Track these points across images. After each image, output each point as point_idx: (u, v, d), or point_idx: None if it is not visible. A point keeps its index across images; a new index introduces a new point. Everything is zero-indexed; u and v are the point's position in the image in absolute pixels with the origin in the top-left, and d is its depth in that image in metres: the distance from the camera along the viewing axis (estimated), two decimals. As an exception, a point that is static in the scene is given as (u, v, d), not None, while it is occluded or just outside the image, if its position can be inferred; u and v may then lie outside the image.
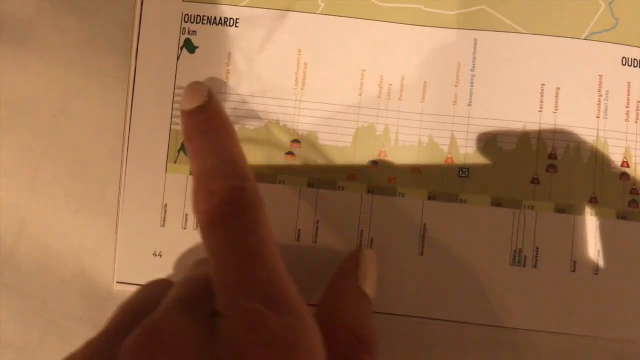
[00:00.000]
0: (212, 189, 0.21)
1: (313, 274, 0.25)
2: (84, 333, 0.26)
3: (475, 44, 0.25)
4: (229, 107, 0.26)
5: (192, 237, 0.26)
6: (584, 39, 0.25)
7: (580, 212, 0.25)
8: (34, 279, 0.26)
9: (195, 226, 0.25)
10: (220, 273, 0.20)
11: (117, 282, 0.26)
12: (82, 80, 0.26)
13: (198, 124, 0.23)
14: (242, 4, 0.26)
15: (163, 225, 0.26)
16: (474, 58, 0.25)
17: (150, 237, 0.26)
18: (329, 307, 0.21)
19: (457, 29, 0.25)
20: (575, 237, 0.25)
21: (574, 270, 0.25)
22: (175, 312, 0.19)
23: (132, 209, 0.26)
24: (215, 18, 0.26)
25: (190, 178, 0.25)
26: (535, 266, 0.25)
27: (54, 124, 0.26)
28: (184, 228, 0.26)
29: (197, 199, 0.21)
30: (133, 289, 0.25)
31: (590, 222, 0.25)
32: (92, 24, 0.26)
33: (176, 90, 0.25)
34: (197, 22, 0.26)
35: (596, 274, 0.25)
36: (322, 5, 0.26)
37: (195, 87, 0.24)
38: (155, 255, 0.26)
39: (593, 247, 0.25)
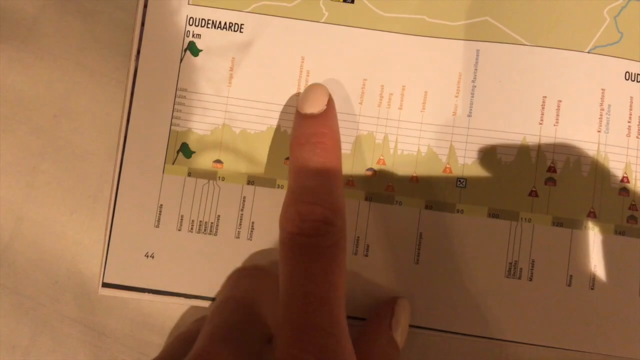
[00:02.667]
0: (304, 212, 0.22)
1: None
2: (75, 334, 0.28)
3: (477, 55, 0.27)
4: (231, 111, 0.28)
5: (186, 239, 0.27)
6: (588, 52, 0.27)
7: (578, 226, 0.27)
8: (28, 278, 0.28)
9: (190, 228, 0.28)
10: (285, 306, 0.21)
11: (104, 283, 0.27)
12: (84, 80, 0.28)
13: (313, 132, 0.24)
14: (248, 10, 0.28)
15: (157, 226, 0.27)
16: (476, 69, 0.27)
17: (143, 237, 0.27)
18: (360, 349, 0.23)
19: (459, 39, 0.27)
20: (572, 251, 0.27)
21: (569, 285, 0.26)
22: (218, 346, 0.20)
23: (126, 208, 0.27)
24: (220, 22, 0.28)
25: (188, 180, 0.27)
26: (530, 279, 0.27)
27: (54, 124, 0.28)
28: (179, 229, 0.27)
29: (286, 215, 0.23)
30: (120, 293, 0.27)
31: (588, 237, 0.27)
32: (95, 25, 0.28)
33: (178, 92, 0.28)
34: (202, 26, 0.28)
35: (592, 289, 0.26)
36: (327, 14, 0.28)
37: (318, 90, 0.25)
38: (148, 256, 0.27)
39: (590, 262, 0.26)
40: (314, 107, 0.25)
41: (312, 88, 0.26)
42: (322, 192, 0.23)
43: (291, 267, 0.22)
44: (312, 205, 0.23)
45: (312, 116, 0.25)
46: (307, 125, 0.25)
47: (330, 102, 0.25)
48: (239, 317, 0.22)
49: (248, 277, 0.25)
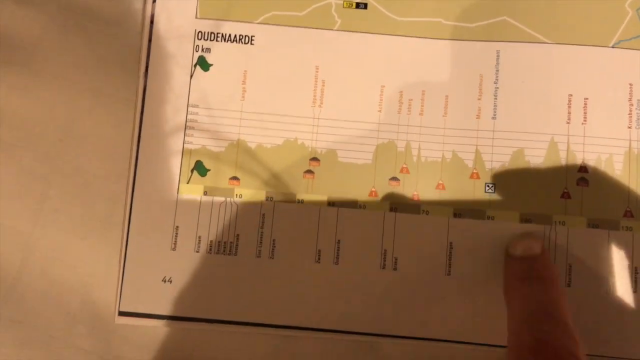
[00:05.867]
0: (539, 335, 0.23)
1: (334, 299, 0.27)
2: (90, 367, 0.28)
3: (498, 56, 0.28)
4: (245, 125, 0.28)
5: (205, 261, 0.27)
6: (612, 47, 0.28)
7: (615, 227, 0.27)
8: (39, 310, 0.28)
9: (208, 249, 0.28)
10: None
11: (120, 312, 0.27)
12: (89, 102, 0.29)
13: (531, 269, 0.25)
14: (258, 21, 0.28)
15: (174, 249, 0.27)
16: (497, 70, 0.28)
17: (159, 261, 0.27)
18: None
19: (478, 41, 0.28)
20: (610, 253, 0.27)
21: (610, 289, 0.26)
22: None
23: (140, 232, 0.27)
24: (230, 35, 0.28)
25: (204, 199, 0.28)
26: (569, 285, 0.27)
27: (60, 148, 0.28)
28: (197, 251, 0.27)
29: (521, 338, 0.23)
30: (137, 321, 0.27)
31: (626, 238, 0.27)
32: (99, 44, 0.29)
33: (190, 109, 0.28)
34: (211, 40, 0.28)
35: (635, 292, 0.26)
36: (339, 21, 0.28)
37: (532, 236, 0.26)
38: (165, 281, 0.27)
39: (630, 264, 0.27)
40: (531, 249, 0.26)
41: (525, 234, 0.27)
42: (555, 314, 0.23)
43: None
44: (545, 326, 0.23)
45: (529, 257, 0.26)
46: (526, 264, 0.26)
47: (544, 246, 0.26)
48: None
49: None
